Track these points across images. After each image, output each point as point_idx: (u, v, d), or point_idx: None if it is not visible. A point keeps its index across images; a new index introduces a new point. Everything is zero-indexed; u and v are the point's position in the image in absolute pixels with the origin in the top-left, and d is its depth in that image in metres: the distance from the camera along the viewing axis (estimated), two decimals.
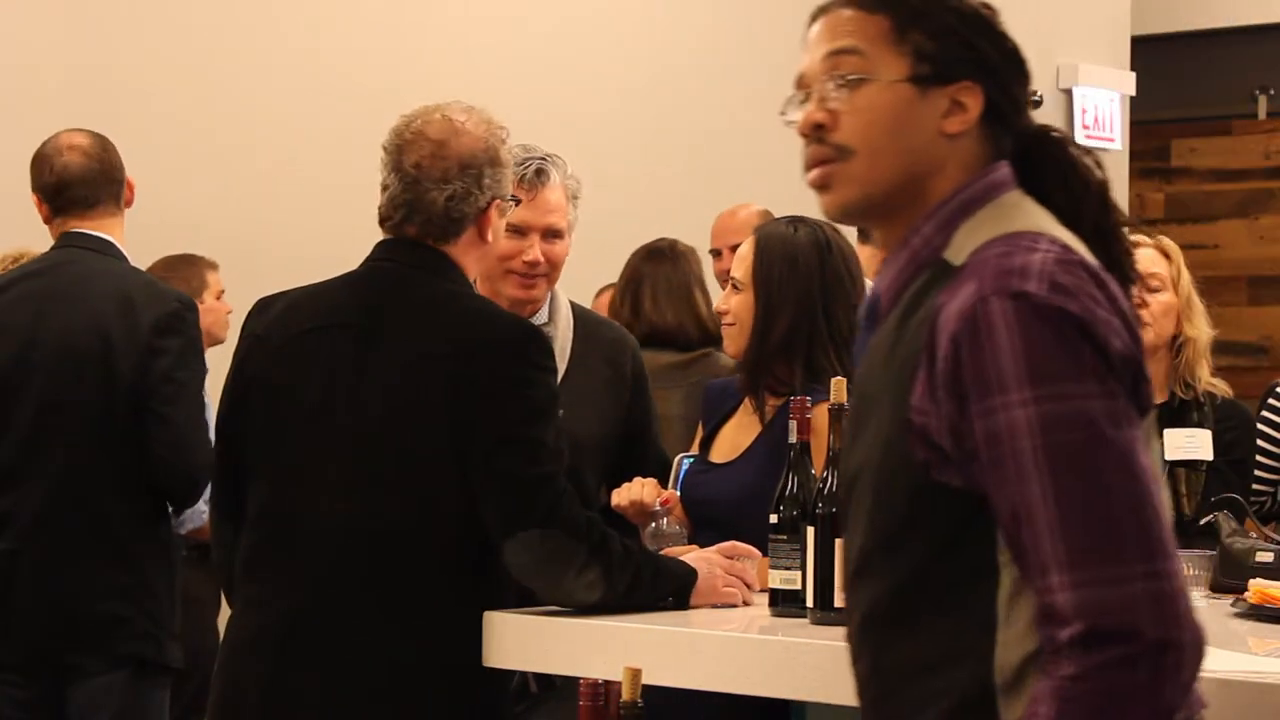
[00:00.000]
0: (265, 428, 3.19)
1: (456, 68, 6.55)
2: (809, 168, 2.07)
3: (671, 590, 3.18)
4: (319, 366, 3.16)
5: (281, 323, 3.22)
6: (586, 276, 6.61)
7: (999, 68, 2.05)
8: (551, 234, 3.76)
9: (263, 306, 3.30)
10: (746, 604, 3.20)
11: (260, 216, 5.98)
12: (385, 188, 3.24)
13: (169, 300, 4.29)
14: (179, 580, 4.39)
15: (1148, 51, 9.26)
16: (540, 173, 3.75)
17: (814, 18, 2.12)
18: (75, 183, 4.34)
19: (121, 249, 4.36)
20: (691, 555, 3.27)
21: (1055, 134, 2.10)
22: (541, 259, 3.74)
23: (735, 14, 7.45)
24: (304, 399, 3.15)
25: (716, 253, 5.93)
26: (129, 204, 4.42)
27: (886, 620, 1.98)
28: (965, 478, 1.89)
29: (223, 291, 5.56)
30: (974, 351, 1.86)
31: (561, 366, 3.79)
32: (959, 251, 1.97)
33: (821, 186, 2.07)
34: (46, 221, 4.41)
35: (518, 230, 3.71)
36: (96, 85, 5.79)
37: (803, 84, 2.09)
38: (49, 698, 4.20)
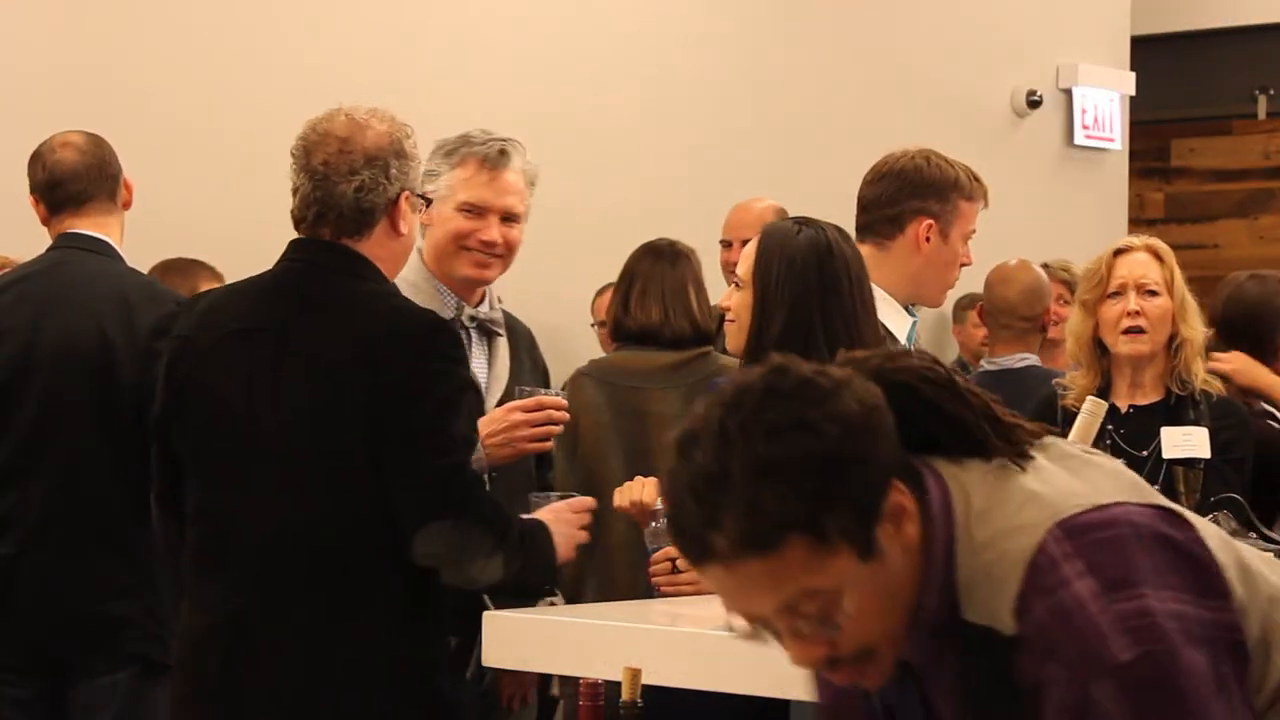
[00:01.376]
0: (197, 429, 3.24)
1: (458, 68, 6.55)
2: (840, 679, 1.95)
3: (548, 554, 3.24)
4: (240, 369, 3.19)
5: (205, 324, 3.27)
6: (588, 275, 6.62)
7: (881, 454, 1.86)
8: (509, 217, 3.80)
9: (190, 305, 3.38)
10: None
11: (260, 217, 5.96)
12: (296, 190, 3.29)
13: (167, 302, 4.28)
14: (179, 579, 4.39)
15: (1148, 51, 9.25)
16: (503, 153, 3.79)
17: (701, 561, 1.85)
18: (68, 178, 4.33)
19: (118, 248, 4.35)
20: (539, 512, 3.34)
21: (914, 389, 1.94)
22: (499, 240, 3.77)
23: (737, 13, 7.45)
24: (229, 401, 3.19)
25: (727, 243, 5.94)
26: (127, 205, 4.41)
27: None
28: None
29: None
30: None
31: (507, 358, 3.85)
32: (990, 611, 1.89)
33: (860, 679, 1.96)
34: (45, 222, 4.41)
35: (475, 210, 3.76)
36: (95, 86, 5.79)
37: (761, 623, 1.89)
38: (49, 698, 4.20)
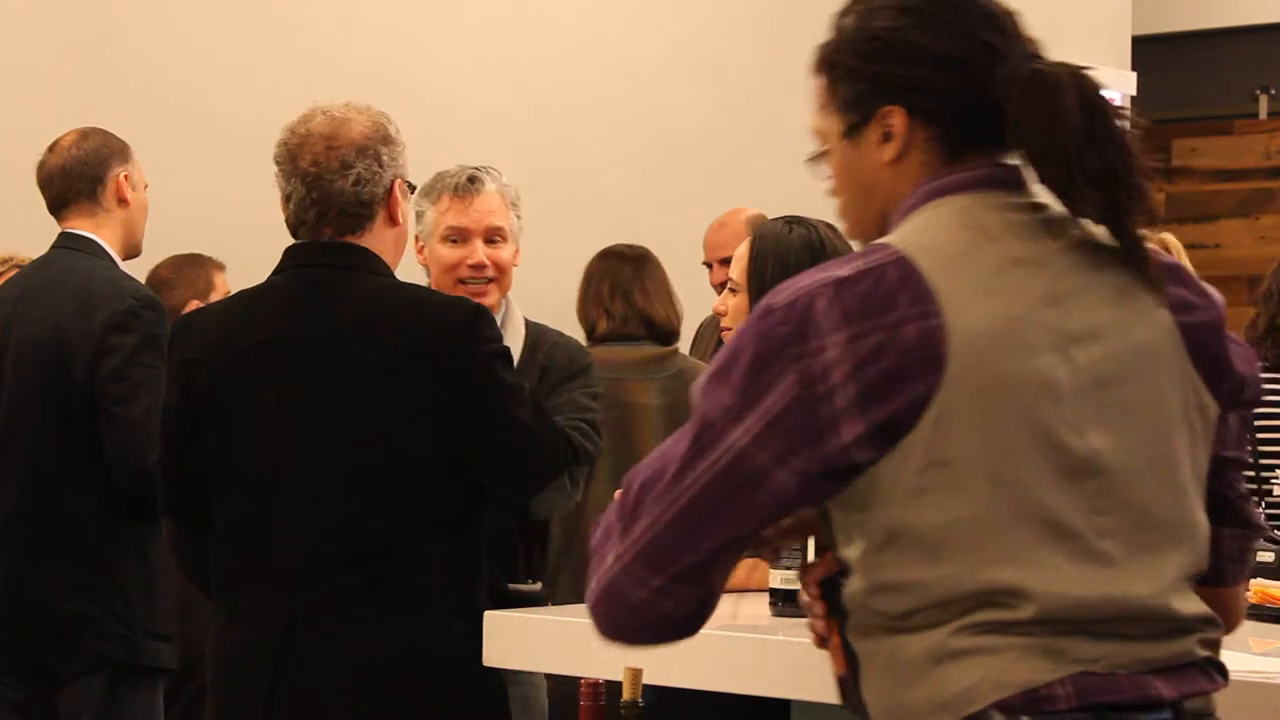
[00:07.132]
0: (226, 448, 3.18)
1: (454, 69, 6.55)
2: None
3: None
4: (274, 381, 3.16)
5: (217, 343, 3.21)
6: (576, 275, 6.61)
7: (917, 77, 2.06)
8: (493, 236, 3.79)
9: (183, 327, 3.30)
10: None
11: (259, 216, 5.97)
12: (288, 198, 3.25)
13: (125, 298, 4.24)
14: (161, 580, 4.28)
15: (1148, 51, 9.26)
16: (473, 180, 3.81)
17: None
18: (44, 184, 4.37)
19: (104, 246, 4.34)
20: None
21: (1036, 78, 2.06)
22: (486, 261, 3.77)
23: (732, 12, 7.45)
24: (263, 415, 3.15)
25: (709, 265, 5.95)
26: (124, 201, 4.39)
27: None
28: None
29: (229, 293, 5.55)
30: None
31: None
32: None
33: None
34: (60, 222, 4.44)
35: (456, 236, 3.77)
36: (97, 83, 5.79)
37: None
38: (42, 699, 4.19)
